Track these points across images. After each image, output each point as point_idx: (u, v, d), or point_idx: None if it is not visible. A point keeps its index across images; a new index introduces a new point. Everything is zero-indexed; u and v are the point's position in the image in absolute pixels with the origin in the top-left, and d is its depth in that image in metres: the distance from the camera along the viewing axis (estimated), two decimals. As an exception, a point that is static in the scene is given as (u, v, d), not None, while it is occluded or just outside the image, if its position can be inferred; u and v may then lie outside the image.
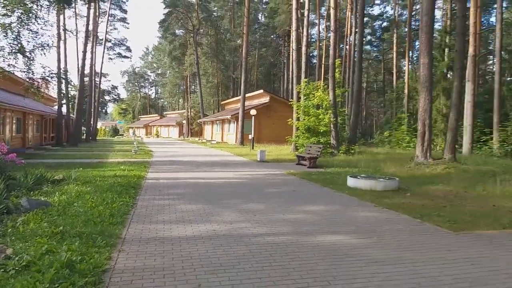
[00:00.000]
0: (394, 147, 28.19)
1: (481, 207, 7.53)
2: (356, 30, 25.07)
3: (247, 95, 34.99)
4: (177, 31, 58.75)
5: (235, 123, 35.06)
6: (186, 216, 6.39)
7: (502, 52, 26.86)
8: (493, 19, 42.07)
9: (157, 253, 4.48)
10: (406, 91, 35.33)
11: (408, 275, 3.88)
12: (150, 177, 11.34)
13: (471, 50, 20.75)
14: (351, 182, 10.00)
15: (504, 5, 36.67)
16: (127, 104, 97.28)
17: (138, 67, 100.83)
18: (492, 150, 22.42)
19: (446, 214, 6.77)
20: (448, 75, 27.35)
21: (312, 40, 55.19)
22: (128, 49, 62.17)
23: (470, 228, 5.86)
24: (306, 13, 22.94)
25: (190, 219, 6.18)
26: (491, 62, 40.55)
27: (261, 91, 38.89)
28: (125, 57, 61.63)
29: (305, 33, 23.31)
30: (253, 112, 26.55)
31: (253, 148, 25.20)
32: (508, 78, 34.30)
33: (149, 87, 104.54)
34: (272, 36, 63.56)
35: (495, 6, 28.46)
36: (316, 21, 50.33)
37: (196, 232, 5.41)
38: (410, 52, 40.69)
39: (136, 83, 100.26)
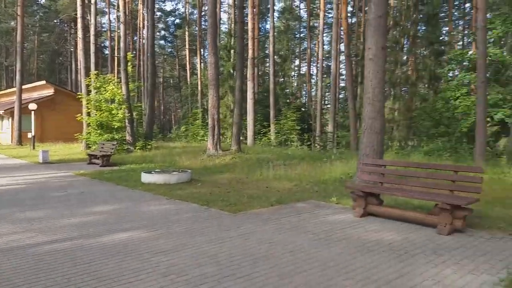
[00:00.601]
0: (190, 141, 29.55)
1: (257, 190, 8.77)
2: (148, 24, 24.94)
3: (25, 86, 30.27)
4: None
5: (10, 119, 29.91)
6: None
7: (275, 56, 31.62)
8: (268, 26, 48.94)
9: None
10: (199, 87, 37.42)
11: (191, 258, 4.22)
12: None
13: (250, 53, 23.62)
14: (145, 177, 10.02)
15: (277, 15, 43.22)
16: None
17: None
18: (270, 140, 26.26)
19: (229, 199, 7.62)
20: (235, 74, 30.41)
21: (103, 29, 52.05)
22: None
23: (247, 208, 6.78)
24: (93, 0, 21.46)
25: None
26: (268, 64, 47.14)
27: (44, 82, 34.24)
28: None
29: (92, 21, 21.80)
30: (32, 106, 23.17)
31: (34, 148, 22.07)
32: (281, 79, 40.63)
33: None
34: (55, 21, 56.63)
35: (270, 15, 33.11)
36: (107, 10, 47.63)
37: (-50, 253, 4.44)
38: (202, 50, 43.21)
39: None
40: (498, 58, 19.82)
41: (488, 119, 16.87)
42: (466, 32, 34.24)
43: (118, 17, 41.97)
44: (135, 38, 46.12)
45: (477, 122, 13.59)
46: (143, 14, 38.85)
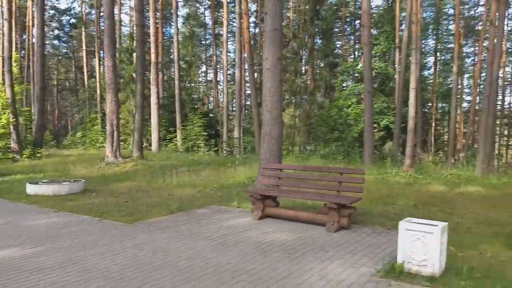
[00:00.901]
0: (88, 148, 27.59)
1: (158, 197, 8.51)
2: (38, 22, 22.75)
3: None
4: None
5: None
6: None
7: (181, 62, 31.22)
8: (173, 31, 48.11)
9: None
10: (98, 91, 35.23)
11: (77, 274, 3.91)
12: None
13: (153, 57, 22.94)
14: (31, 189, 9.06)
15: (181, 20, 42.76)
16: None
17: None
18: (176, 146, 25.72)
19: (126, 208, 7.26)
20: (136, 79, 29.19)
21: (-16, 25, 46.17)
22: None
23: (144, 217, 6.52)
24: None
25: None
26: (173, 69, 46.23)
27: None
28: None
29: (-31, 15, 19.24)
30: None
31: None
32: (188, 85, 40.14)
33: None
34: None
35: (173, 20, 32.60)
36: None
37: None
38: (101, 52, 40.74)
39: None
40: (383, 70, 22.19)
41: (375, 125, 18.77)
42: (356, 46, 37.63)
43: (1, 13, 37.68)
44: (24, 37, 41.74)
45: (365, 128, 15.02)
46: (32, 11, 35.37)
